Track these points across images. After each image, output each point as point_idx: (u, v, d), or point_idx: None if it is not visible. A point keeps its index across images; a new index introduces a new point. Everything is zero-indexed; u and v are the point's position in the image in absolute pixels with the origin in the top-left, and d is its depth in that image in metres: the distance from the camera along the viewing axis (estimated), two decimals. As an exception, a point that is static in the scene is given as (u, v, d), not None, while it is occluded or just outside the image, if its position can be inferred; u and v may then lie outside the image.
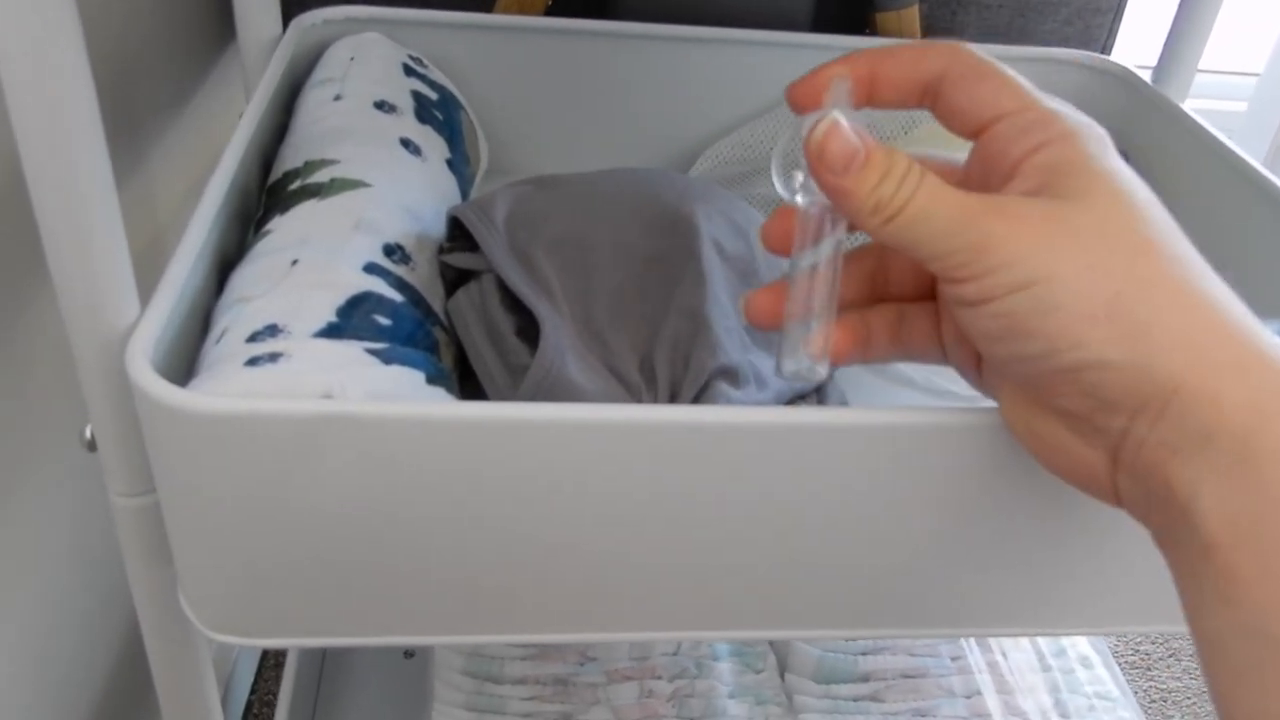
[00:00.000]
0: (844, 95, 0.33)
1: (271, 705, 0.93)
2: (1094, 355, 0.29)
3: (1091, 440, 0.31)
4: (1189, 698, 1.03)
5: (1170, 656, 1.07)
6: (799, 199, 0.34)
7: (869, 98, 0.34)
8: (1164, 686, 1.05)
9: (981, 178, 0.33)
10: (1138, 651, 1.07)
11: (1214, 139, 0.61)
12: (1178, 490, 0.29)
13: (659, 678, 0.69)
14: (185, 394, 0.34)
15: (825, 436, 0.36)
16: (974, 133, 0.33)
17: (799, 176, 0.34)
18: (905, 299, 0.38)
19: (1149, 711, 1.02)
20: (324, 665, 0.79)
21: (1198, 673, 1.06)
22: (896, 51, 0.34)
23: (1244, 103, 1.58)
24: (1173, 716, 1.02)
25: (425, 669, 0.74)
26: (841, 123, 0.32)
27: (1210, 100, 1.54)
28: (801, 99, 0.34)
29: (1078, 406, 0.31)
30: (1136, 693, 1.01)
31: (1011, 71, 0.33)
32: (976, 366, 0.36)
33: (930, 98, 0.34)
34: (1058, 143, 0.31)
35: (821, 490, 0.38)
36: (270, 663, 0.98)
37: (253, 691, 0.95)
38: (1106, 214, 0.30)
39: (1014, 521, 0.40)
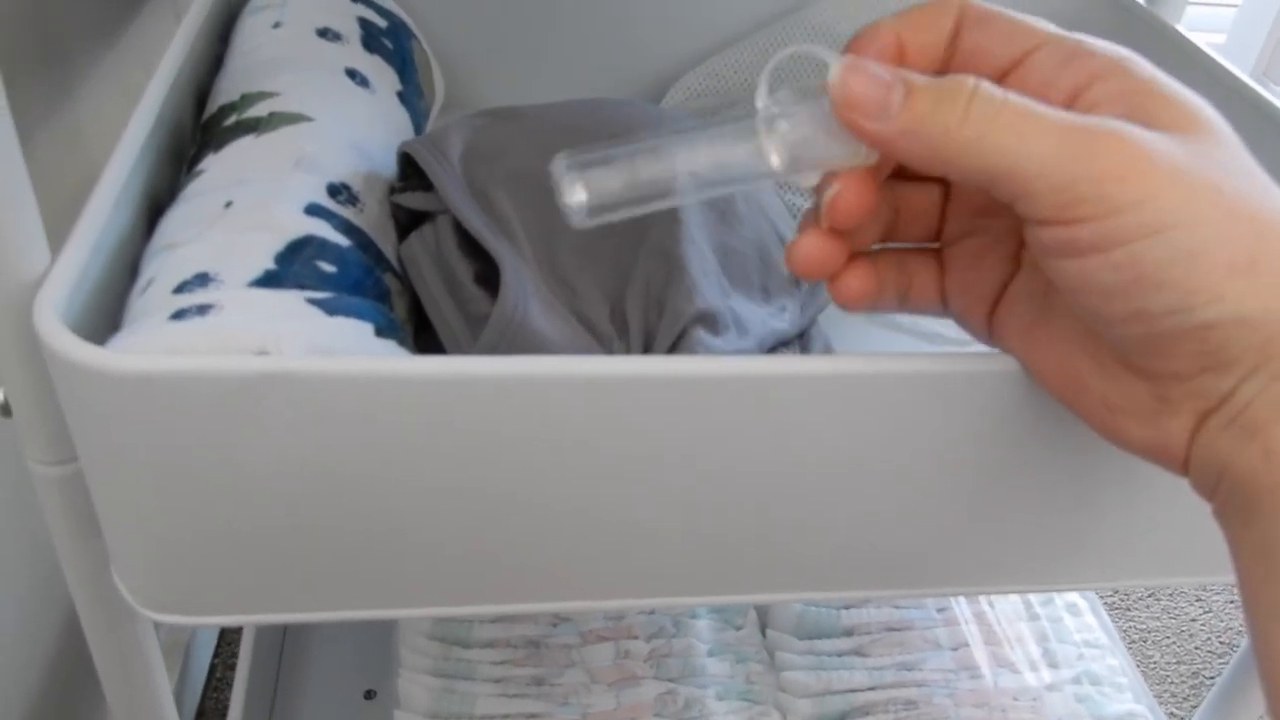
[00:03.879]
0: None
1: (236, 670, 0.90)
2: (1231, 310, 0.25)
3: (1180, 405, 0.28)
4: (1168, 637, 1.03)
5: (1149, 596, 1.07)
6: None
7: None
8: (1143, 626, 1.04)
9: None
10: (1116, 593, 1.07)
11: (1209, 59, 0.58)
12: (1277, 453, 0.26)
13: (635, 637, 0.67)
14: (99, 352, 0.30)
15: (813, 388, 0.33)
16: (1000, 73, 0.29)
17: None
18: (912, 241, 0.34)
19: (1129, 652, 1.01)
20: (286, 630, 0.76)
21: (1177, 612, 1.05)
22: (913, 16, 0.30)
23: (1223, 34, 1.55)
24: (1153, 656, 1.01)
25: (393, 632, 0.71)
26: (861, 60, 0.28)
27: (1189, 32, 1.51)
28: None
29: (1186, 367, 0.27)
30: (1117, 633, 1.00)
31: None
32: (987, 321, 0.33)
33: (946, 54, 0.30)
34: (1120, 69, 0.28)
35: (809, 446, 0.35)
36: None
37: (216, 655, 0.93)
38: (1222, 148, 0.27)
39: (1020, 476, 0.37)
